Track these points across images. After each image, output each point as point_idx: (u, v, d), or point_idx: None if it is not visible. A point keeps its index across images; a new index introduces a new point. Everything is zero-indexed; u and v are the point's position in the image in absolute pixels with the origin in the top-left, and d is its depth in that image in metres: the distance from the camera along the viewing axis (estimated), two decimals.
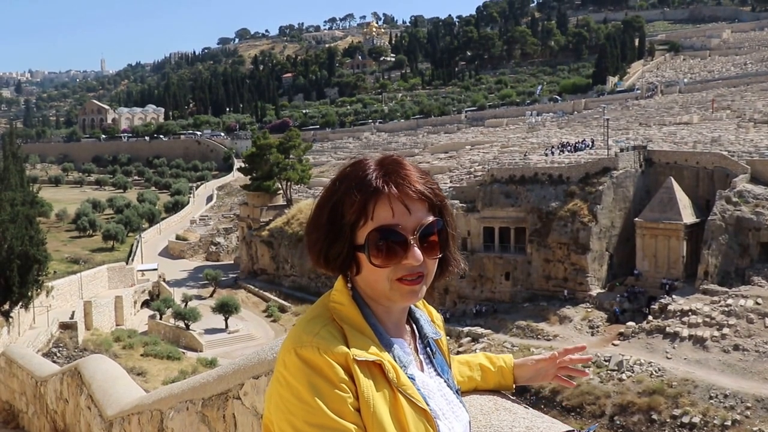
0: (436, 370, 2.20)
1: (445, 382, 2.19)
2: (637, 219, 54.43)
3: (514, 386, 2.81)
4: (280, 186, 79.94)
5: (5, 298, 44.12)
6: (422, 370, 2.15)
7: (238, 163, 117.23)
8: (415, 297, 2.05)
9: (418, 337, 2.23)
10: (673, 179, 54.10)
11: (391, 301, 2.06)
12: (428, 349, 2.23)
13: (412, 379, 2.03)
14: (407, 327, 2.21)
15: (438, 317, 2.39)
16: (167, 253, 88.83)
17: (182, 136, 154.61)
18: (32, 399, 13.21)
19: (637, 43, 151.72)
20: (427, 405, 2.00)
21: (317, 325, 2.00)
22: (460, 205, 61.13)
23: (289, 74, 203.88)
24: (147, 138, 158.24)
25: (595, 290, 53.72)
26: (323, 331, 1.97)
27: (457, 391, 2.23)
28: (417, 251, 1.98)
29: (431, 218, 2.03)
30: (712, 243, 49.13)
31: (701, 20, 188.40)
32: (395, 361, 2.02)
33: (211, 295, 69.91)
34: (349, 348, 1.94)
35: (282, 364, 1.96)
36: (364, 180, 2.01)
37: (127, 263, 74.85)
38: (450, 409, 2.11)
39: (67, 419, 10.45)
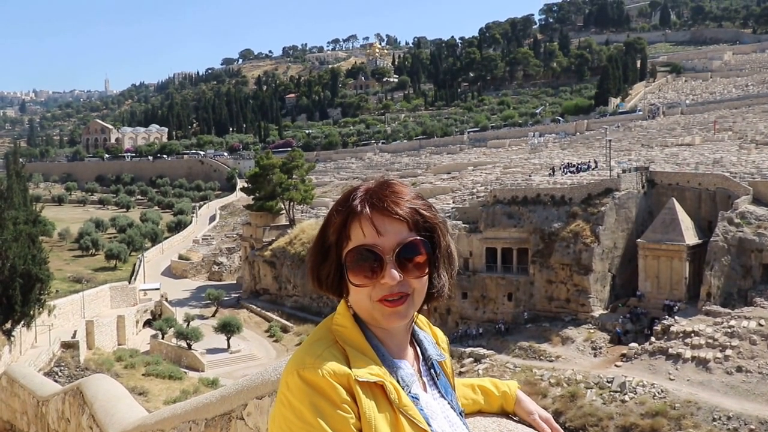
0: (439, 391, 2.21)
1: (448, 403, 2.20)
2: (639, 240, 54.30)
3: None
4: (282, 206, 79.99)
5: (7, 317, 43.97)
6: (426, 391, 2.16)
7: (241, 183, 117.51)
8: (398, 318, 2.06)
9: (421, 359, 2.24)
10: (675, 200, 54.08)
11: (376, 321, 2.07)
12: (432, 370, 2.24)
13: (415, 399, 2.04)
14: (411, 349, 2.22)
15: (443, 339, 2.41)
16: (170, 272, 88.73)
17: (185, 156, 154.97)
18: (33, 419, 13.18)
19: (639, 65, 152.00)
20: (429, 426, 2.01)
21: (320, 347, 2.03)
22: (463, 225, 61.13)
23: (293, 95, 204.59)
24: (150, 158, 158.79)
25: (598, 311, 53.51)
26: (326, 353, 2.00)
27: (460, 413, 2.24)
28: (393, 271, 1.99)
29: (412, 238, 2.03)
30: (715, 264, 49.02)
31: (703, 42, 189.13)
32: (398, 382, 2.03)
33: (214, 315, 69.76)
34: (351, 369, 1.97)
35: (285, 385, 1.98)
36: (345, 202, 2.07)
37: (129, 283, 74.71)
38: (452, 431, 2.12)
39: None
